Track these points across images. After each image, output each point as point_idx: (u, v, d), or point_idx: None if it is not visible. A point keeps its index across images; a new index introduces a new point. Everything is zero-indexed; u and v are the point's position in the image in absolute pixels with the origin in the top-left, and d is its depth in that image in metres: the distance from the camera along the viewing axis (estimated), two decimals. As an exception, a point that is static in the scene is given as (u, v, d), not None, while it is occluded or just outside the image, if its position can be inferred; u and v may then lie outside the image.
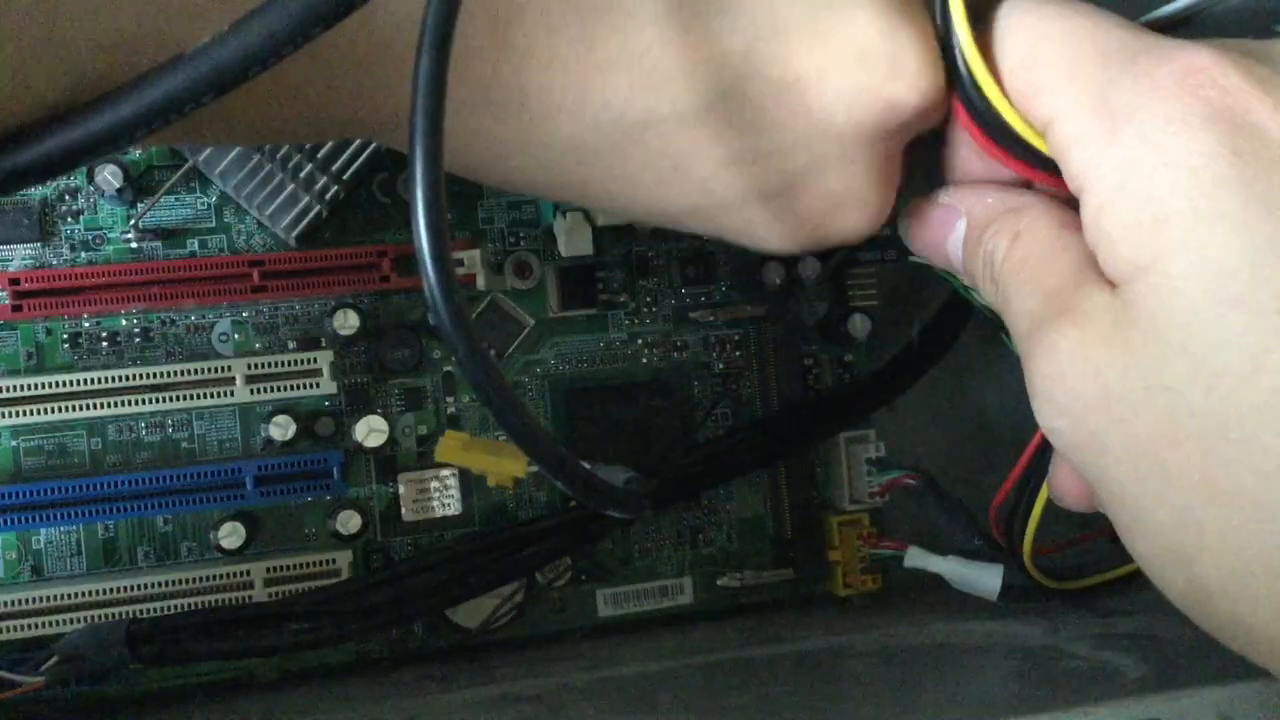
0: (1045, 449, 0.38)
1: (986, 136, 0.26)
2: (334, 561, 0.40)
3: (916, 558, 0.41)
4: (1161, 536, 0.21)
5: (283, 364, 0.40)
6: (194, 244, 0.41)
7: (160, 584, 0.38)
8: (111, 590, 0.38)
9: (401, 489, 0.42)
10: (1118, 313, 0.21)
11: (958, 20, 0.25)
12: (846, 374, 0.45)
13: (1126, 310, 0.21)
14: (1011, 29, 0.24)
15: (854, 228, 0.27)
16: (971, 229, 0.26)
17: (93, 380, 0.38)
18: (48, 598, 0.38)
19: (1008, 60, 0.24)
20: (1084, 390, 0.22)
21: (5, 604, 0.37)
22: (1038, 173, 0.26)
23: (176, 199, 0.40)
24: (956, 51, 0.25)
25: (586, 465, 0.29)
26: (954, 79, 0.26)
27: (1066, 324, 0.22)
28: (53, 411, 0.38)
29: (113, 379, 0.38)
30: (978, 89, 0.25)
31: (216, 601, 0.38)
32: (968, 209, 0.26)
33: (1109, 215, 0.22)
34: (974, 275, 0.26)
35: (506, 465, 0.35)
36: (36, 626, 0.37)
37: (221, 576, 0.39)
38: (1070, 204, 0.25)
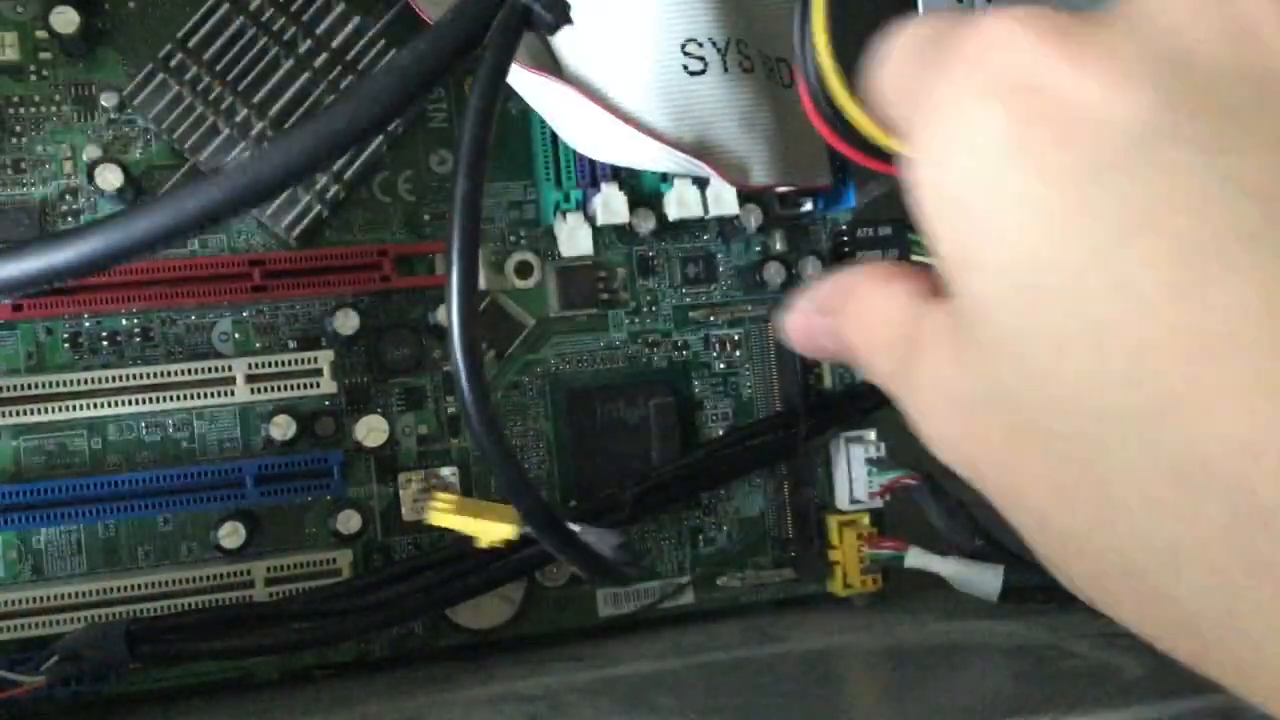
0: None
1: (830, 129, 0.25)
2: (334, 561, 0.40)
3: (917, 558, 0.41)
4: (1040, 550, 0.19)
5: (283, 364, 0.39)
6: (194, 244, 0.40)
7: (160, 584, 0.38)
8: (111, 590, 0.38)
9: (401, 489, 0.41)
10: (952, 326, 0.20)
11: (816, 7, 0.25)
12: (846, 374, 0.45)
13: (959, 320, 0.20)
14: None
15: None
16: (835, 327, 0.25)
17: (93, 380, 0.38)
18: (48, 598, 0.38)
19: (868, 73, 0.22)
20: (948, 422, 0.20)
21: (5, 604, 0.37)
22: (884, 166, 0.25)
23: (177, 199, 0.40)
24: (807, 41, 0.25)
25: (576, 529, 0.30)
26: (804, 72, 0.25)
27: (915, 361, 0.21)
28: (53, 411, 0.38)
29: (113, 379, 0.38)
30: (821, 76, 0.25)
31: (216, 601, 0.38)
32: (822, 310, 0.25)
33: (923, 213, 0.20)
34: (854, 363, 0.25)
35: (497, 528, 0.35)
36: (36, 626, 0.37)
37: (221, 576, 0.39)
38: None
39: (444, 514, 0.35)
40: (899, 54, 0.21)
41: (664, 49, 0.39)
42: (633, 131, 0.38)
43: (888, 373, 0.22)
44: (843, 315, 0.24)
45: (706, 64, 0.39)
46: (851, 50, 0.25)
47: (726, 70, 0.39)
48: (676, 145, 0.38)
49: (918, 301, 0.22)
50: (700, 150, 0.39)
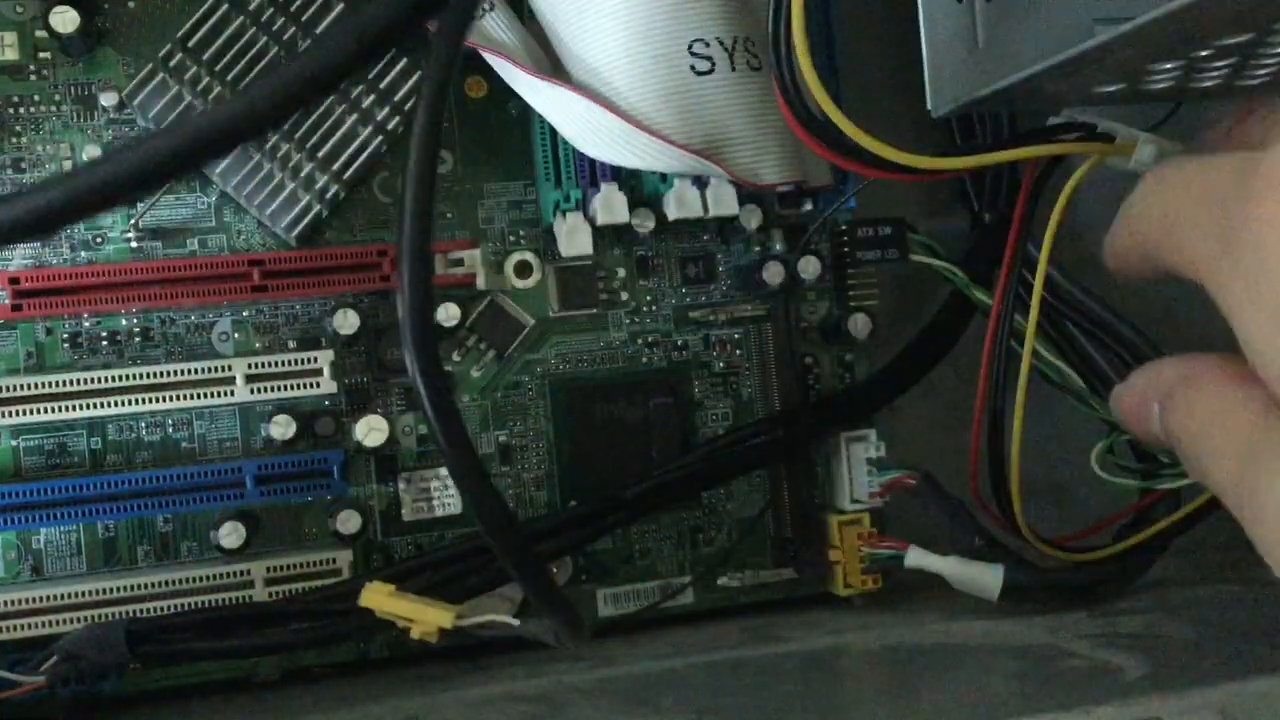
0: (994, 422, 0.40)
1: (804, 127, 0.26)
2: (334, 561, 0.40)
3: (917, 558, 0.41)
4: None
5: (283, 364, 0.39)
6: (194, 243, 0.40)
7: (160, 584, 0.38)
8: (111, 590, 0.38)
9: (401, 489, 0.41)
10: None
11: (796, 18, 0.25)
12: (846, 374, 0.45)
13: None
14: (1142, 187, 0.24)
15: None
16: (1163, 413, 0.25)
17: (93, 380, 0.38)
18: (48, 598, 0.38)
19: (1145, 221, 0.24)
20: None
21: (5, 604, 0.37)
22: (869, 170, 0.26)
23: (176, 198, 0.40)
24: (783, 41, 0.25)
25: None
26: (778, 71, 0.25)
27: (1265, 478, 0.21)
28: (53, 411, 0.38)
29: (113, 379, 0.38)
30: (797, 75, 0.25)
31: (216, 601, 0.38)
32: (1155, 394, 0.25)
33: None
34: (1178, 456, 0.25)
35: (432, 616, 0.35)
36: (36, 626, 0.37)
37: (221, 576, 0.39)
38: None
39: (376, 599, 0.35)
40: (1173, 191, 0.23)
41: (671, 50, 0.39)
42: (641, 133, 0.38)
43: (1226, 483, 0.22)
44: (1175, 408, 0.24)
45: (714, 63, 0.39)
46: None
47: (734, 69, 0.39)
48: (686, 146, 0.39)
49: (1271, 411, 0.21)
50: (710, 150, 0.39)
